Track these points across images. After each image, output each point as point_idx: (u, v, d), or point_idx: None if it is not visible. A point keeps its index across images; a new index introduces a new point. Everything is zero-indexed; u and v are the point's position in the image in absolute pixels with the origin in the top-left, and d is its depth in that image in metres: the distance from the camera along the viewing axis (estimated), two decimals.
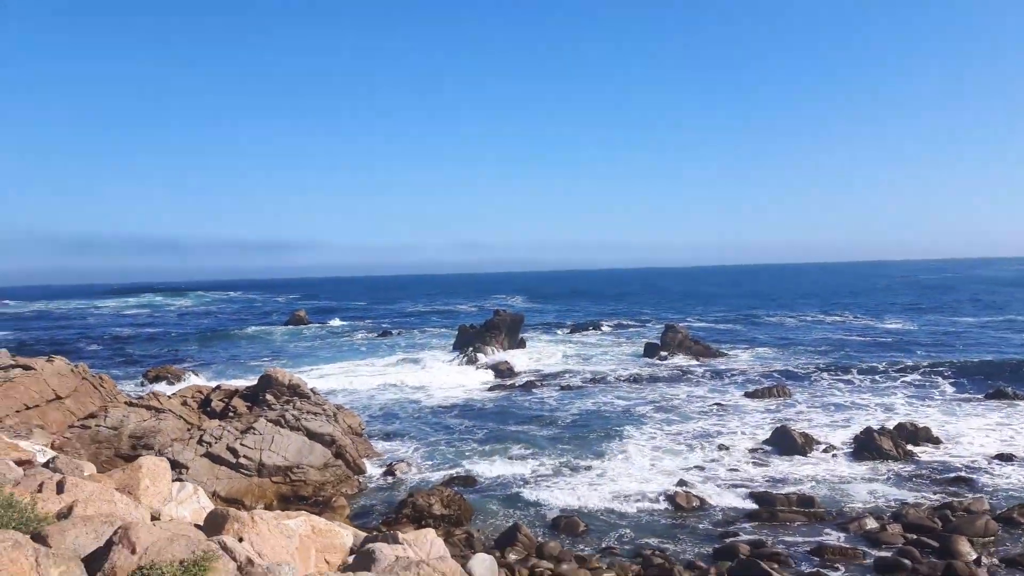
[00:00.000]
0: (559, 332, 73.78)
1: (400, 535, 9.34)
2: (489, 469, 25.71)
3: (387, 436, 30.95)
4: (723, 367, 46.86)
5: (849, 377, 41.74)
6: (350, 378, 46.00)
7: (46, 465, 7.79)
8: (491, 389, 41.99)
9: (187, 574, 4.60)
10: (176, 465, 21.41)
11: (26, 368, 24.32)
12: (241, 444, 22.29)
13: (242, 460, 21.99)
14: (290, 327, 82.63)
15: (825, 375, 42.60)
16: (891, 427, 28.54)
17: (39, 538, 5.01)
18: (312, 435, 24.11)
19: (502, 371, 47.85)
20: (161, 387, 40.10)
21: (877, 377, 41.30)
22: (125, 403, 23.62)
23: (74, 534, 5.18)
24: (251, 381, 40.51)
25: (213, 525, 6.97)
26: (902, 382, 39.88)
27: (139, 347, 67.42)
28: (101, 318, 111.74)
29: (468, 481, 24.30)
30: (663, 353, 52.00)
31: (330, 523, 8.91)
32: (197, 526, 6.97)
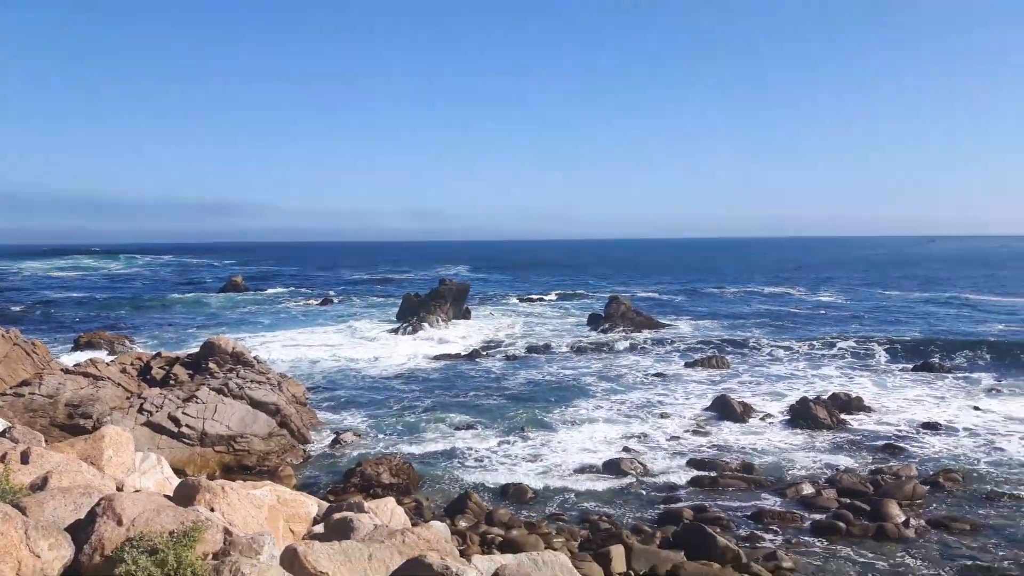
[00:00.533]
0: (504, 302, 74.05)
1: (365, 504, 9.37)
2: (436, 438, 25.84)
3: (331, 405, 30.72)
4: (664, 338, 47.82)
5: (787, 347, 43.12)
6: (290, 347, 45.34)
7: (2, 435, 7.52)
8: (435, 359, 41.96)
9: (178, 545, 4.54)
10: None
11: None
12: (183, 413, 21.85)
13: (184, 429, 21.57)
14: (227, 294, 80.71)
15: (764, 346, 43.89)
16: (826, 397, 29.70)
17: (17, 510, 4.86)
18: (256, 404, 23.78)
19: (446, 341, 47.86)
20: (94, 354, 38.91)
21: (814, 348, 42.75)
22: (61, 370, 22.84)
23: (52, 506, 5.04)
24: (187, 349, 39.63)
25: (184, 496, 6.87)
26: (838, 352, 41.40)
27: (68, 311, 65.02)
28: (26, 280, 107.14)
29: (417, 450, 24.37)
30: (606, 324, 52.71)
31: (295, 493, 8.88)
32: (167, 496, 6.86)
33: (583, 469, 22.36)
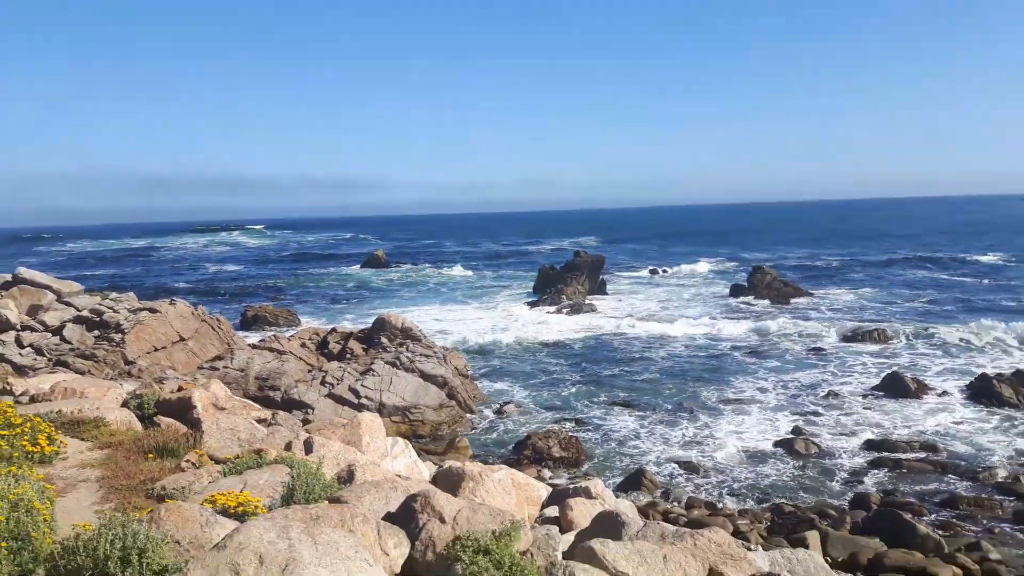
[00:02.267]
0: (638, 273, 73.15)
1: (592, 488, 9.44)
2: (594, 413, 25.97)
3: (487, 377, 31.45)
4: (817, 309, 45.83)
5: (956, 319, 40.27)
6: (437, 320, 46.64)
7: (270, 423, 8.06)
8: (578, 331, 42.01)
9: (501, 545, 4.70)
10: (302, 405, 22.23)
11: (152, 311, 25.37)
12: (362, 385, 22.96)
13: (363, 400, 22.66)
14: (370, 268, 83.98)
15: (929, 317, 41.23)
16: (1010, 373, 27.58)
17: (339, 504, 5.18)
18: (426, 377, 24.66)
19: (587, 313, 47.84)
20: (262, 329, 41.58)
21: (989, 319, 39.62)
22: (249, 346, 24.47)
23: (368, 500, 5.35)
24: (340, 322, 41.58)
25: (448, 482, 7.15)
26: (1016, 325, 38.20)
27: (229, 286, 69.61)
28: (183, 256, 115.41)
29: (578, 424, 24.58)
30: (750, 295, 51.10)
31: (527, 477, 9.08)
32: (432, 482, 7.15)
33: (752, 449, 21.84)
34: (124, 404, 8.52)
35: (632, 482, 18.87)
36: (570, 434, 22.18)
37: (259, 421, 7.87)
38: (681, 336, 39.44)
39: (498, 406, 26.33)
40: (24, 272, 25.23)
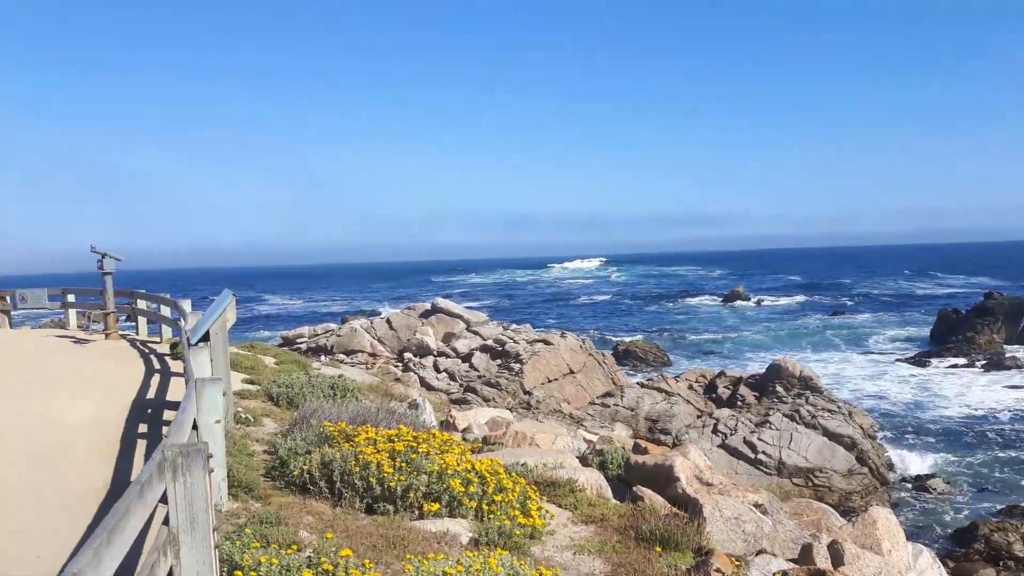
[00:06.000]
0: None
1: None
2: None
3: (896, 442, 27.04)
4: None
5: None
6: (817, 367, 42.22)
7: (760, 508, 6.58)
8: (1006, 391, 34.80)
9: None
10: None
11: (546, 343, 26.03)
12: (758, 439, 20.83)
13: (760, 456, 20.51)
14: (731, 305, 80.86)
15: None
16: None
17: None
18: (830, 435, 21.69)
19: (1011, 370, 39.70)
20: (630, 364, 41.43)
21: None
22: (637, 384, 23.82)
23: None
24: (712, 361, 39.62)
25: None
26: None
27: (590, 321, 71.65)
28: (551, 289, 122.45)
29: None
30: None
31: None
32: None
33: None
34: (582, 460, 7.74)
35: None
36: None
37: (755, 505, 6.40)
38: None
39: (916, 479, 22.20)
40: (440, 302, 27.79)
